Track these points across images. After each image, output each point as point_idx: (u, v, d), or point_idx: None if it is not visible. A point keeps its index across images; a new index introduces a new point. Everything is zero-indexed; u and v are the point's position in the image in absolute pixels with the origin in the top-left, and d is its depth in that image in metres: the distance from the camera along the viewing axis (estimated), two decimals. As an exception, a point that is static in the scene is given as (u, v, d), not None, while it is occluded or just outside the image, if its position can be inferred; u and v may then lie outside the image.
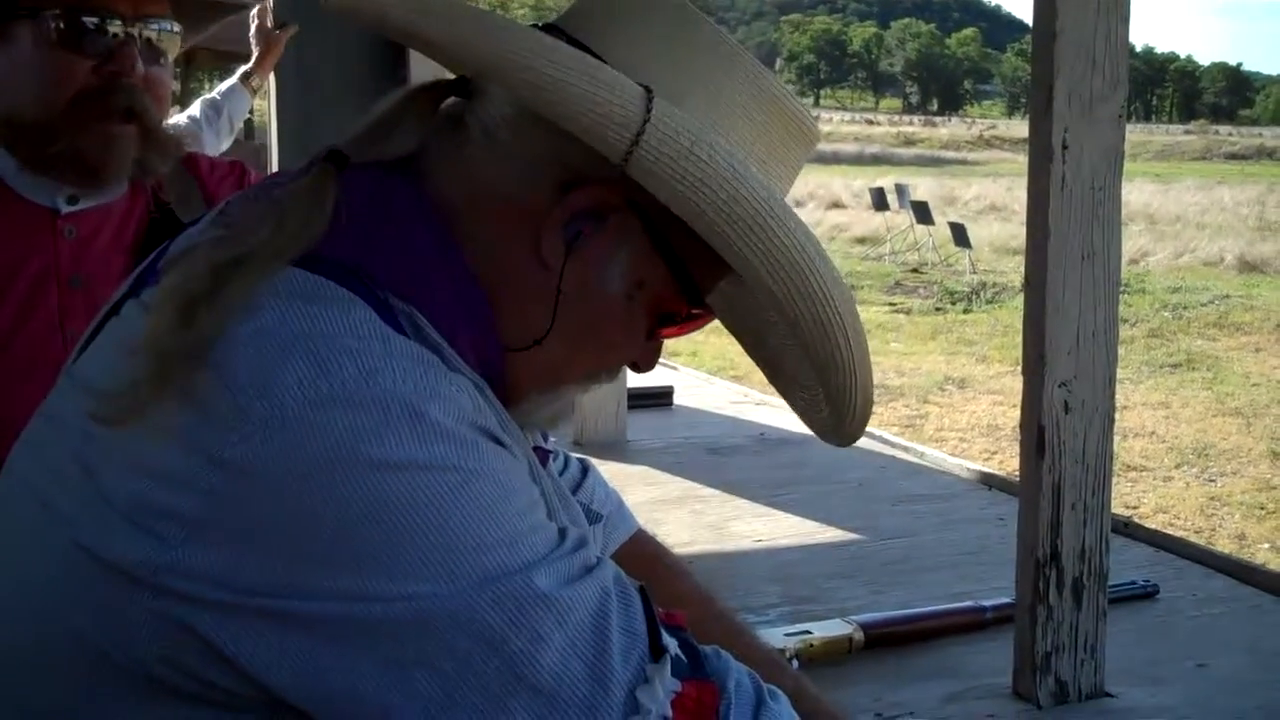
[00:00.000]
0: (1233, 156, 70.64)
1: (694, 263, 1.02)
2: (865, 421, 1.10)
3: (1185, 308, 16.07)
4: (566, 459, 1.44)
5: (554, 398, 1.09)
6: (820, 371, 1.04)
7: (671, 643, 0.90)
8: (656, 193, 0.94)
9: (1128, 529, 2.70)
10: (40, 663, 0.92)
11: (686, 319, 1.08)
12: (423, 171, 1.03)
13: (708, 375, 4.69)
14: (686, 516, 2.84)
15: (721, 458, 3.36)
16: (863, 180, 32.06)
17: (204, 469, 0.84)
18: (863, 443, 3.53)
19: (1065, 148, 1.81)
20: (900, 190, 24.78)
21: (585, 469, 1.47)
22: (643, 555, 1.45)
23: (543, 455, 1.19)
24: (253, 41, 3.84)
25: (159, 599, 0.85)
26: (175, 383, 0.86)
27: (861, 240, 23.92)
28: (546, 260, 1.00)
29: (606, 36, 1.00)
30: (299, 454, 0.83)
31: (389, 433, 0.84)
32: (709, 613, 1.46)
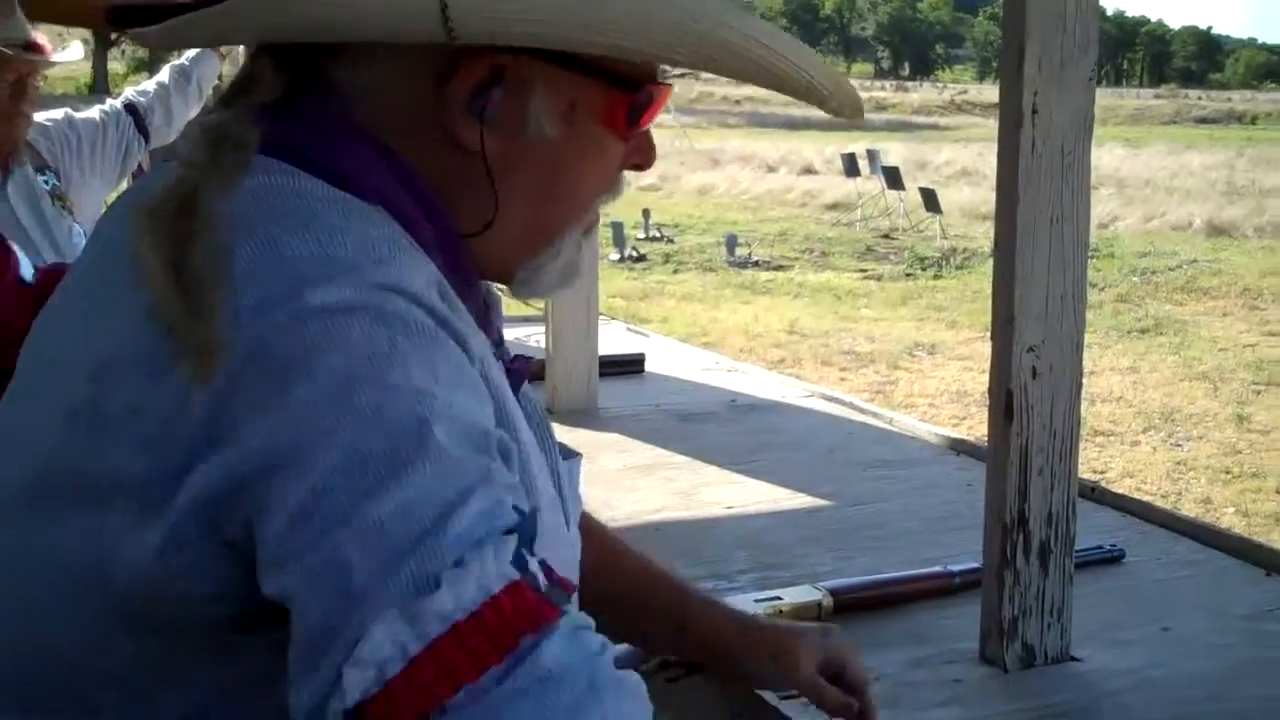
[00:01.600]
0: (1202, 120, 70.97)
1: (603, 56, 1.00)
2: (845, 90, 1.09)
3: (1153, 272, 16.18)
4: None
5: (552, 255, 1.10)
6: (778, 88, 1.03)
7: (540, 577, 0.85)
8: (507, 42, 0.93)
9: (1094, 493, 2.71)
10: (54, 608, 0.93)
11: (647, 102, 1.07)
12: (332, 97, 1.03)
13: (679, 342, 4.68)
14: (657, 484, 2.84)
15: (693, 425, 3.35)
16: (834, 146, 32.08)
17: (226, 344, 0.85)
18: (832, 408, 3.54)
19: (1035, 111, 1.80)
20: (872, 156, 24.79)
21: None
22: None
23: (521, 367, 1.18)
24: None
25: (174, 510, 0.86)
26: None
27: (833, 206, 23.96)
28: (467, 147, 1.01)
29: None
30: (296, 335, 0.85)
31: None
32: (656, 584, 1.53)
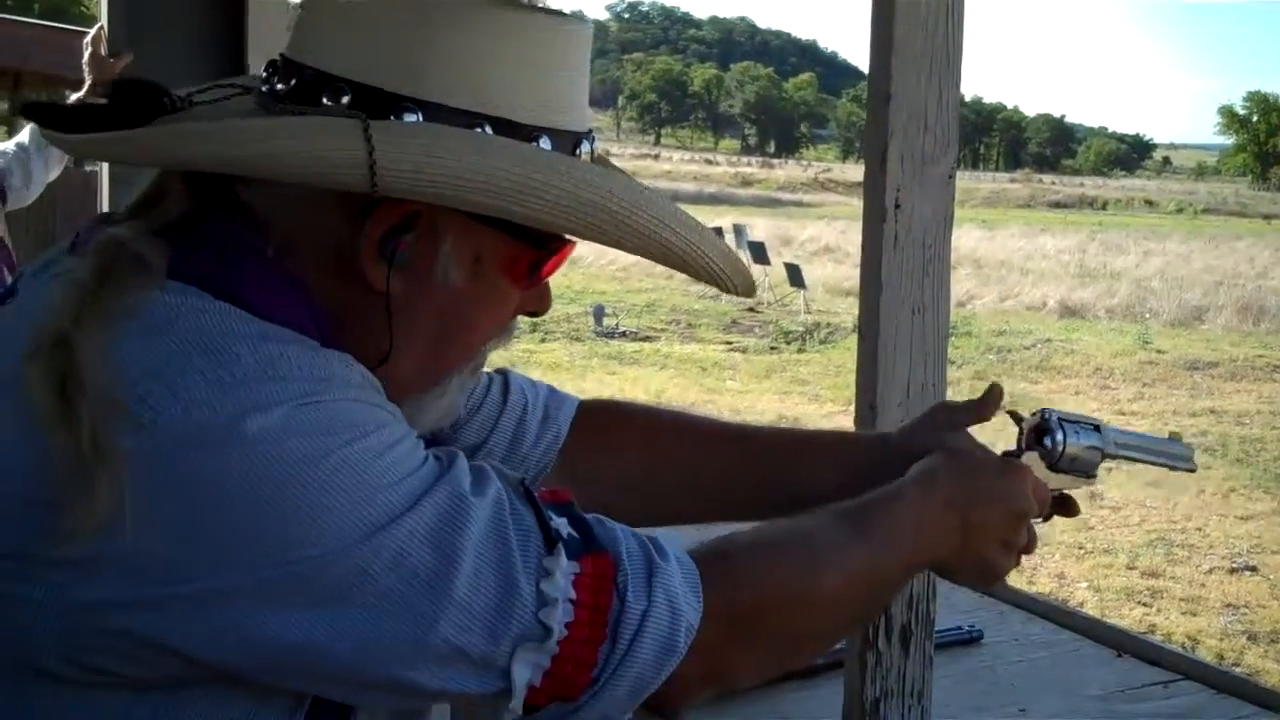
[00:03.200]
0: (1056, 204, 73.21)
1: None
2: (744, 274, 1.17)
3: (1009, 351, 16.59)
4: (489, 383, 1.44)
5: (437, 395, 1.13)
6: (669, 265, 1.09)
7: (562, 523, 0.99)
8: (422, 200, 0.98)
9: (954, 573, 2.77)
10: None
11: (547, 257, 1.11)
12: (248, 224, 1.05)
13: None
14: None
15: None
16: (702, 219, 32.27)
17: (105, 460, 0.87)
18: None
19: (898, 206, 1.87)
20: (738, 230, 25.14)
21: (505, 386, 1.45)
22: (595, 425, 1.48)
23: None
24: (86, 69, 3.74)
25: (66, 604, 0.89)
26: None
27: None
28: (373, 286, 1.03)
29: (333, 47, 1.04)
30: (197, 436, 0.88)
31: (280, 405, 0.90)
32: (698, 435, 1.51)
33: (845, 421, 11.34)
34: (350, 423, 0.93)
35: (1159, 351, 16.66)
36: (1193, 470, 1.53)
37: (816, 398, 13.39)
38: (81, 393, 0.88)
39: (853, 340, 1.76)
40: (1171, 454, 1.51)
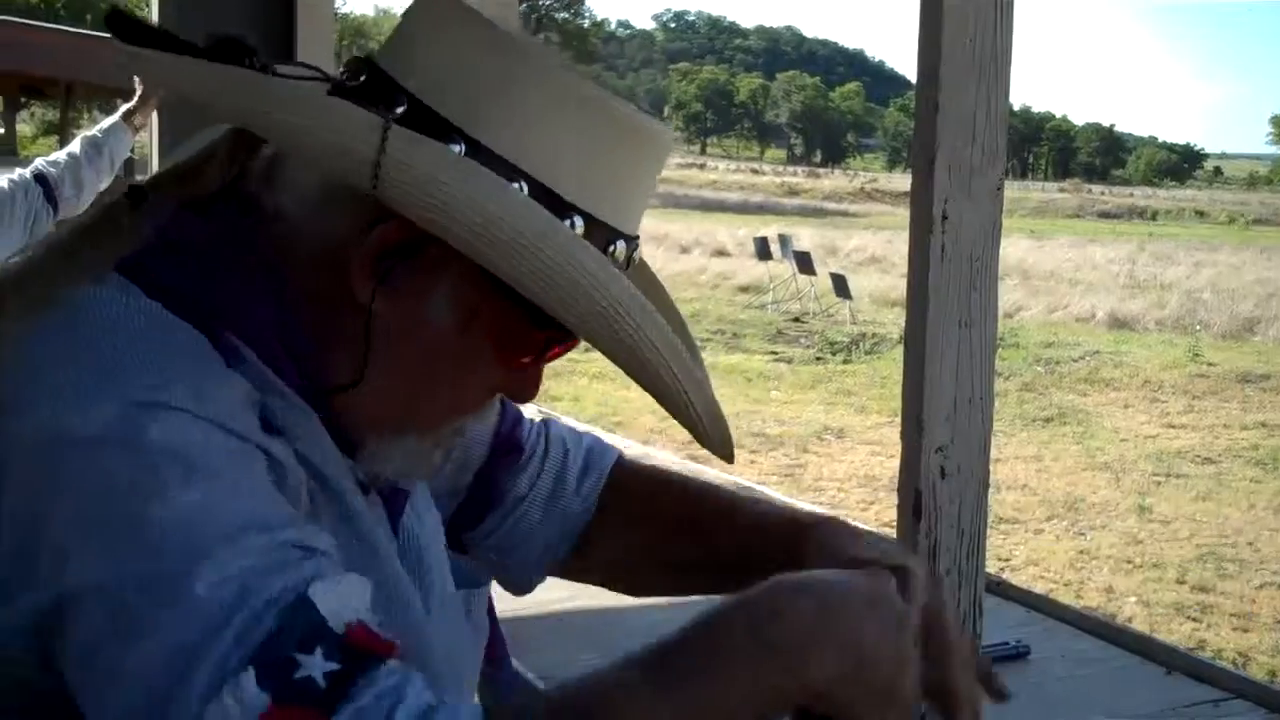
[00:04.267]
0: (1105, 215, 72.72)
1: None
2: (723, 432, 1.10)
3: (1057, 363, 16.46)
4: (536, 433, 1.38)
5: (399, 444, 1.08)
6: (651, 393, 1.03)
7: (319, 665, 0.84)
8: (414, 218, 0.94)
9: (1000, 588, 2.74)
10: None
11: (544, 342, 1.06)
12: (254, 211, 1.05)
13: (588, 426, 4.67)
14: (566, 571, 2.82)
15: (602, 511, 3.35)
16: (747, 229, 32.43)
17: None
18: (743, 497, 3.55)
19: (945, 218, 1.85)
20: (784, 240, 25.08)
21: (547, 437, 1.39)
22: (626, 493, 1.39)
23: (400, 496, 1.16)
24: (137, 79, 3.78)
25: None
26: None
27: (745, 289, 24.15)
28: (358, 299, 1.01)
29: (413, 61, 1.02)
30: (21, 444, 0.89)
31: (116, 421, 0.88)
32: (707, 508, 1.35)
33: (890, 433, 11.27)
34: (202, 474, 0.89)
35: (1210, 364, 16.48)
36: None
37: (862, 409, 13.33)
38: None
39: (899, 351, 1.74)
40: None
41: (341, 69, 1.07)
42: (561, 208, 0.99)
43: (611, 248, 1.02)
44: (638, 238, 1.07)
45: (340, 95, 1.01)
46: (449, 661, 1.16)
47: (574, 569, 1.38)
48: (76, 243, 1.01)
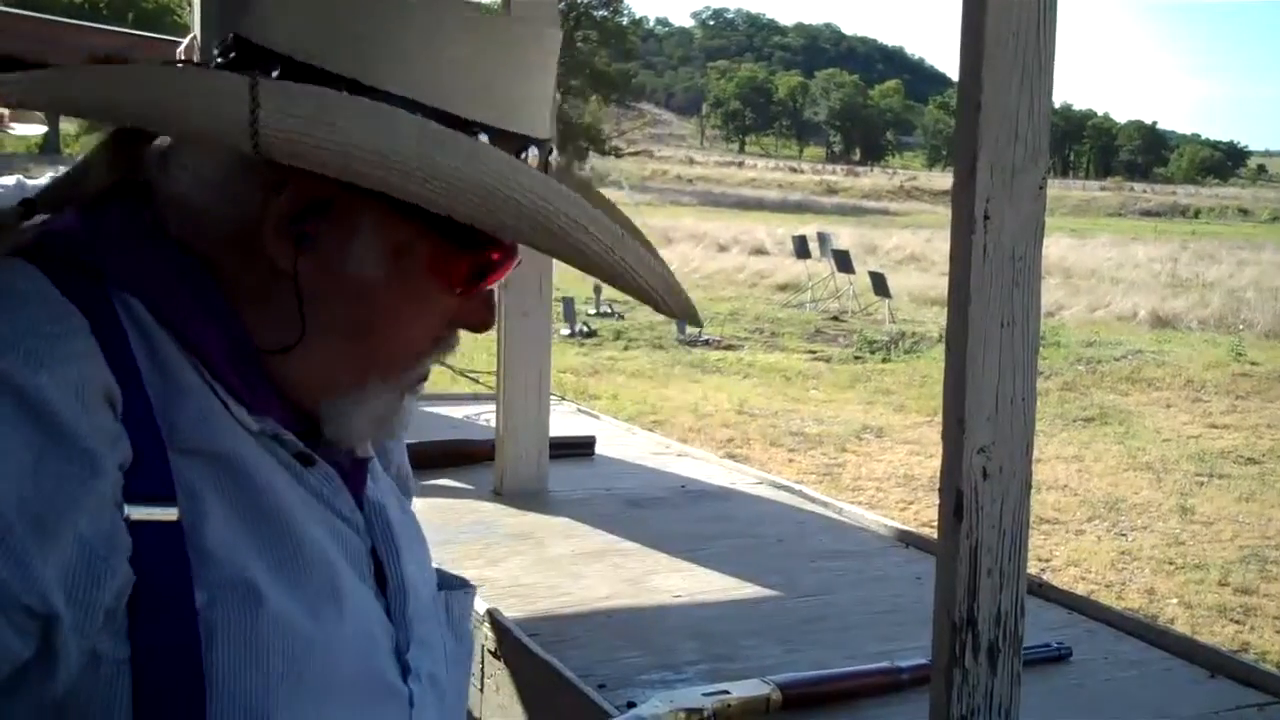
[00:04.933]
0: (1147, 213, 72.18)
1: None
2: (682, 301, 1.09)
3: (1098, 362, 16.36)
4: None
5: (359, 399, 1.07)
6: (597, 275, 1.02)
7: None
8: (309, 167, 0.92)
9: (1041, 589, 2.73)
10: None
11: (487, 264, 1.05)
12: (154, 199, 1.03)
13: (629, 425, 4.68)
14: (607, 570, 2.83)
15: (642, 510, 3.35)
16: (785, 228, 32.36)
17: None
18: (782, 496, 3.54)
19: (987, 218, 1.84)
20: (822, 239, 25.02)
21: None
22: None
23: (360, 464, 1.15)
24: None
25: None
26: None
27: (783, 287, 24.12)
28: (280, 266, 1.00)
29: (279, 24, 1.00)
30: None
31: None
32: None
33: (930, 432, 11.24)
34: None
35: (1253, 364, 16.34)
36: None
37: (901, 408, 13.29)
38: None
39: (938, 350, 1.74)
40: None
41: (214, 50, 1.05)
42: (462, 126, 0.98)
43: (523, 155, 1.02)
44: (549, 140, 1.06)
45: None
46: (424, 646, 1.14)
47: None
48: None
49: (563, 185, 0.99)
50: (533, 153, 1.03)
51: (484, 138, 0.99)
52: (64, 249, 0.98)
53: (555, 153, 1.07)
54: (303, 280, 1.00)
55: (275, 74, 0.96)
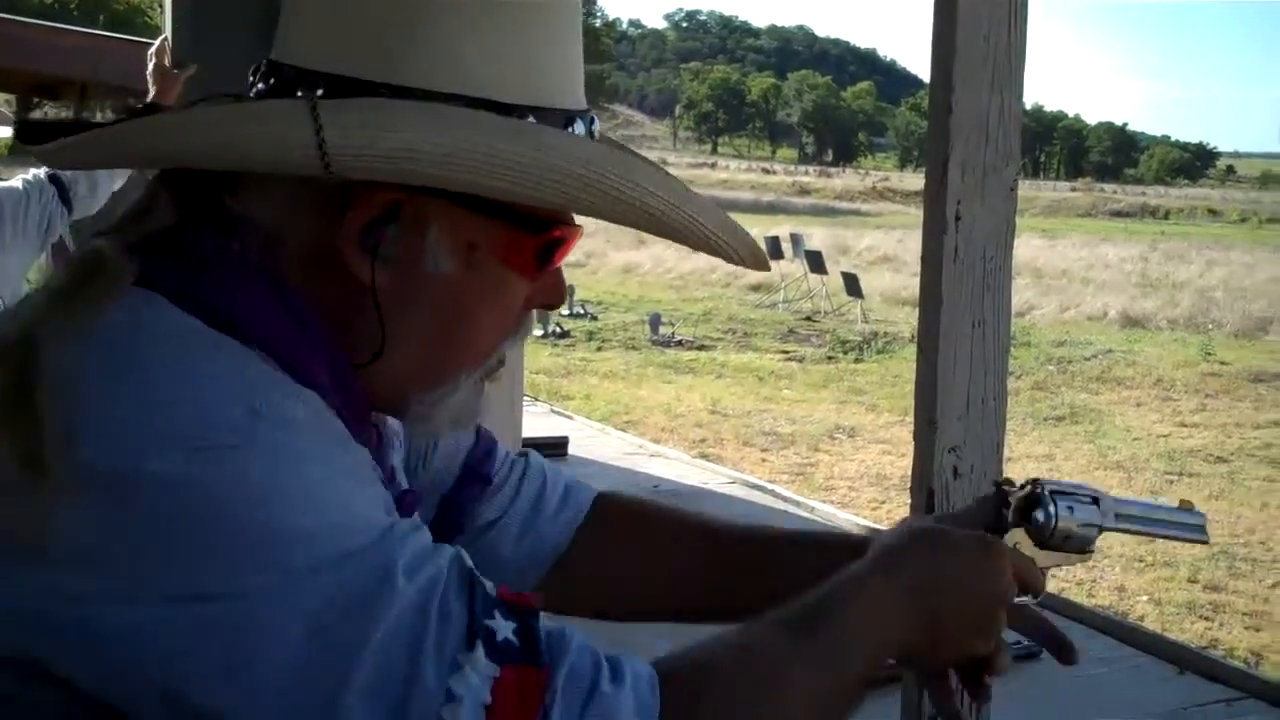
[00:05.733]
0: (1117, 214, 72.56)
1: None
2: (750, 245, 1.13)
3: (1069, 361, 16.44)
4: (509, 466, 1.39)
5: (447, 393, 1.09)
6: (664, 235, 1.05)
7: (505, 627, 0.91)
8: (383, 179, 0.95)
9: (1013, 588, 2.74)
10: None
11: (555, 243, 1.07)
12: (231, 227, 1.03)
13: (602, 425, 4.69)
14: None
15: (615, 510, 3.35)
16: (758, 229, 32.35)
17: (32, 480, 0.85)
18: (756, 497, 3.56)
19: (958, 219, 1.85)
20: (795, 239, 25.08)
21: (526, 465, 1.41)
22: (603, 516, 1.41)
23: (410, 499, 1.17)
24: (150, 80, 3.78)
25: None
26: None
27: (756, 288, 24.14)
28: (359, 279, 1.00)
29: (309, 41, 1.02)
30: (103, 470, 0.85)
31: (207, 430, 0.87)
32: (699, 535, 1.44)
33: (902, 432, 11.28)
34: (268, 471, 0.88)
35: (1222, 363, 16.45)
36: (1205, 542, 1.39)
37: (873, 408, 13.33)
38: (23, 408, 0.87)
39: (910, 350, 1.75)
40: (1181, 524, 1.37)
41: (249, 78, 1.06)
42: (509, 112, 0.99)
43: (570, 127, 1.03)
44: (590, 110, 1.07)
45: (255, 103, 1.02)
46: None
47: (555, 592, 1.34)
48: (69, 286, 0.96)
49: (622, 151, 1.01)
50: (579, 126, 1.04)
51: (531, 119, 1.00)
52: (176, 287, 0.97)
53: (595, 120, 1.08)
54: (381, 289, 1.01)
55: (320, 93, 0.97)
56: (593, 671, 0.92)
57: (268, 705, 0.85)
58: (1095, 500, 1.30)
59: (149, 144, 0.99)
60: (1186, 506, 1.37)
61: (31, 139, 1.05)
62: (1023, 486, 1.29)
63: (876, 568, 1.13)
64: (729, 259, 1.11)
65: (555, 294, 1.12)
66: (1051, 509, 1.27)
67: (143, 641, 0.85)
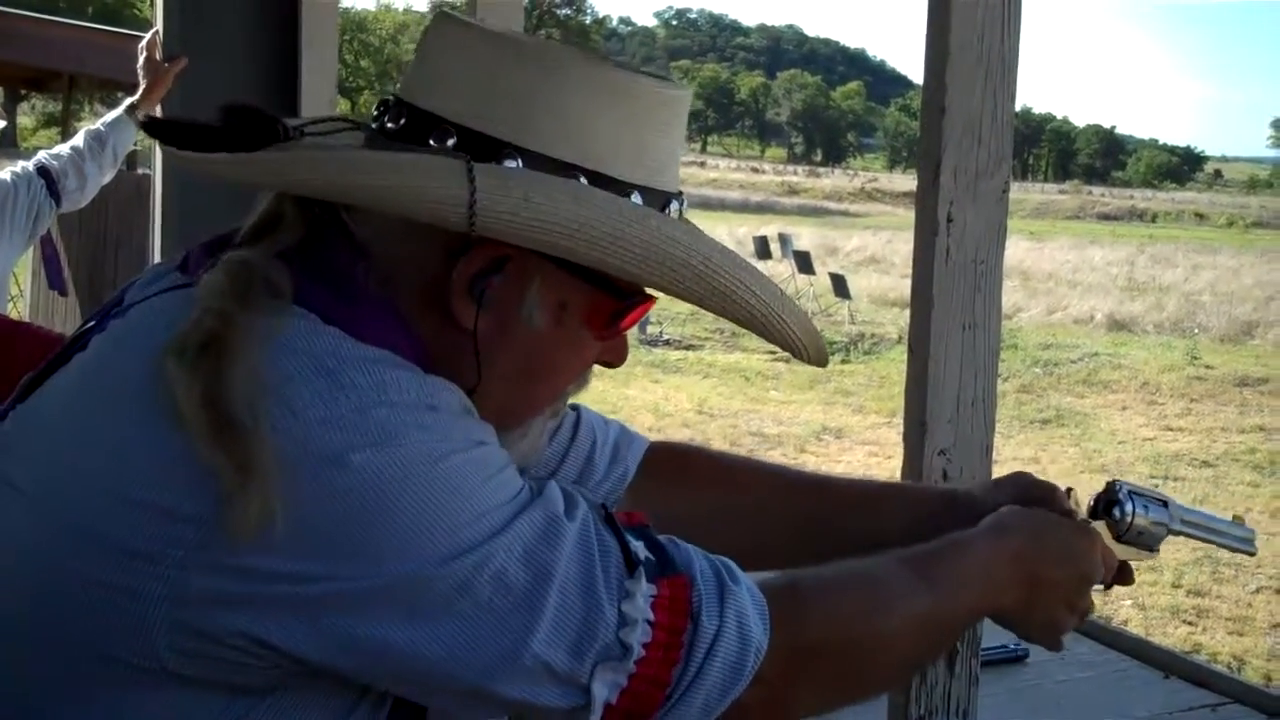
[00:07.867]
0: (1105, 217, 72.71)
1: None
2: (817, 344, 1.22)
3: (1055, 364, 16.46)
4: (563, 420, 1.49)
5: (520, 435, 1.18)
6: (750, 329, 1.14)
7: (639, 546, 1.04)
8: (514, 242, 1.04)
9: (999, 590, 2.75)
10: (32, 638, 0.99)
11: (628, 309, 1.15)
12: (353, 251, 1.10)
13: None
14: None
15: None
16: (747, 228, 32.40)
17: (255, 474, 0.93)
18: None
19: (950, 221, 1.85)
20: (784, 239, 25.07)
21: (576, 423, 1.50)
22: (667, 465, 1.53)
23: None
24: (140, 73, 3.77)
25: (177, 600, 0.94)
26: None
27: (744, 287, 24.10)
28: (461, 323, 1.08)
29: (447, 90, 1.10)
30: (313, 456, 0.95)
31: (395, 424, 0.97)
32: (774, 480, 1.57)
33: (889, 433, 11.29)
34: (454, 448, 0.99)
35: (1208, 367, 16.49)
36: (1253, 554, 1.54)
37: (860, 409, 13.33)
38: (227, 409, 0.94)
39: (897, 351, 1.76)
40: (1234, 535, 1.51)
41: (375, 110, 1.14)
42: (622, 189, 1.08)
43: (668, 209, 1.13)
44: (682, 193, 1.17)
45: (385, 139, 1.10)
46: None
47: None
48: (236, 293, 1.03)
49: (732, 251, 1.12)
50: (674, 206, 1.14)
51: (637, 197, 1.09)
52: (322, 310, 1.04)
53: (685, 201, 1.18)
54: (480, 334, 1.09)
55: (451, 142, 1.07)
56: (715, 571, 1.06)
57: (454, 652, 0.96)
58: (1165, 504, 1.45)
59: (304, 177, 1.05)
60: (1239, 521, 1.53)
61: (160, 135, 1.13)
62: (1105, 488, 1.47)
63: (990, 532, 1.28)
64: (797, 355, 1.20)
65: (619, 354, 1.22)
66: (1129, 507, 1.42)
67: (364, 608, 0.95)
